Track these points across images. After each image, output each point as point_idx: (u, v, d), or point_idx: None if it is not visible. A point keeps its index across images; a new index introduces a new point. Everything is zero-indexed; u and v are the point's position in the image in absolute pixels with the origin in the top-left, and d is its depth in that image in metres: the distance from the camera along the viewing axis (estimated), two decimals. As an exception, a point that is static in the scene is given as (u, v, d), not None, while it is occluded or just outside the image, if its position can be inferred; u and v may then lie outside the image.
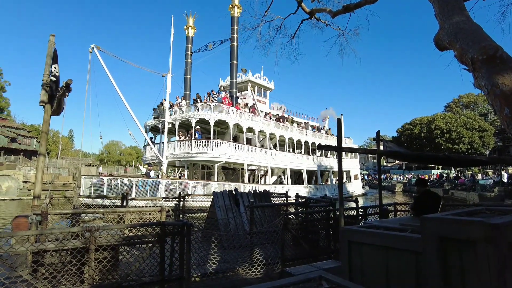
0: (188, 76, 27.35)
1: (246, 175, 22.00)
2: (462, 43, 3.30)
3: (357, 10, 7.00)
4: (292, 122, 29.89)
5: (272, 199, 11.28)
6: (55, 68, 6.68)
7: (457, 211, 2.73)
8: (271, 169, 24.49)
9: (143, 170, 25.46)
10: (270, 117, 25.91)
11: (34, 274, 4.04)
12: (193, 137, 20.84)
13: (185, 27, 27.46)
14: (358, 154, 37.94)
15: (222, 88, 26.89)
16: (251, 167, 24.87)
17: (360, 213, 8.26)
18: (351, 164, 35.35)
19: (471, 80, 3.24)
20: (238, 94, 26.19)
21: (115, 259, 4.46)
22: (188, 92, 26.70)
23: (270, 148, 25.17)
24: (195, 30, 27.92)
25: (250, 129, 23.15)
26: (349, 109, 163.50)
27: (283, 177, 26.62)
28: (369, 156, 74.28)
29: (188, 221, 4.79)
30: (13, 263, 3.73)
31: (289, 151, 27.14)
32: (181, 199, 13.26)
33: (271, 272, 5.71)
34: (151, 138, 23.91)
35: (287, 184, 25.11)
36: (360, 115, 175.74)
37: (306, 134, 29.60)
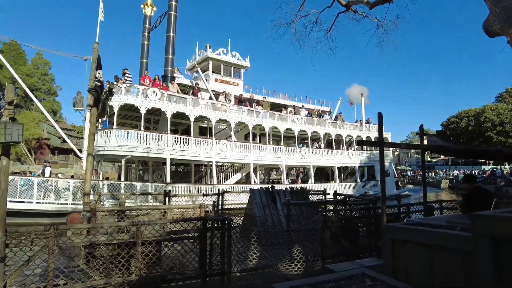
0: (145, 60, 23.16)
1: (167, 172, 17.54)
2: (516, 27, 3.06)
3: (396, 0, 6.73)
4: (285, 108, 24.85)
5: (310, 196, 11.25)
6: (99, 73, 7.12)
7: (512, 209, 2.54)
8: (225, 164, 21.47)
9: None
10: (227, 99, 21.38)
11: (88, 264, 4.35)
12: (99, 127, 17.39)
13: (142, 5, 23.26)
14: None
15: (180, 69, 22.79)
16: (203, 162, 21.28)
17: (403, 210, 7.97)
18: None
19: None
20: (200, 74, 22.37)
21: (159, 253, 4.68)
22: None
23: (231, 140, 20.49)
24: (155, 9, 23.70)
25: (182, 115, 18.94)
26: (390, 102, 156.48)
27: (253, 174, 21.35)
28: (412, 151, 71.07)
29: (228, 216, 4.90)
30: (70, 254, 4.06)
31: (269, 142, 22.34)
32: (220, 196, 13.62)
33: (311, 269, 5.68)
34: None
35: (256, 183, 20.49)
36: (402, 108, 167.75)
37: (293, 121, 22.97)
